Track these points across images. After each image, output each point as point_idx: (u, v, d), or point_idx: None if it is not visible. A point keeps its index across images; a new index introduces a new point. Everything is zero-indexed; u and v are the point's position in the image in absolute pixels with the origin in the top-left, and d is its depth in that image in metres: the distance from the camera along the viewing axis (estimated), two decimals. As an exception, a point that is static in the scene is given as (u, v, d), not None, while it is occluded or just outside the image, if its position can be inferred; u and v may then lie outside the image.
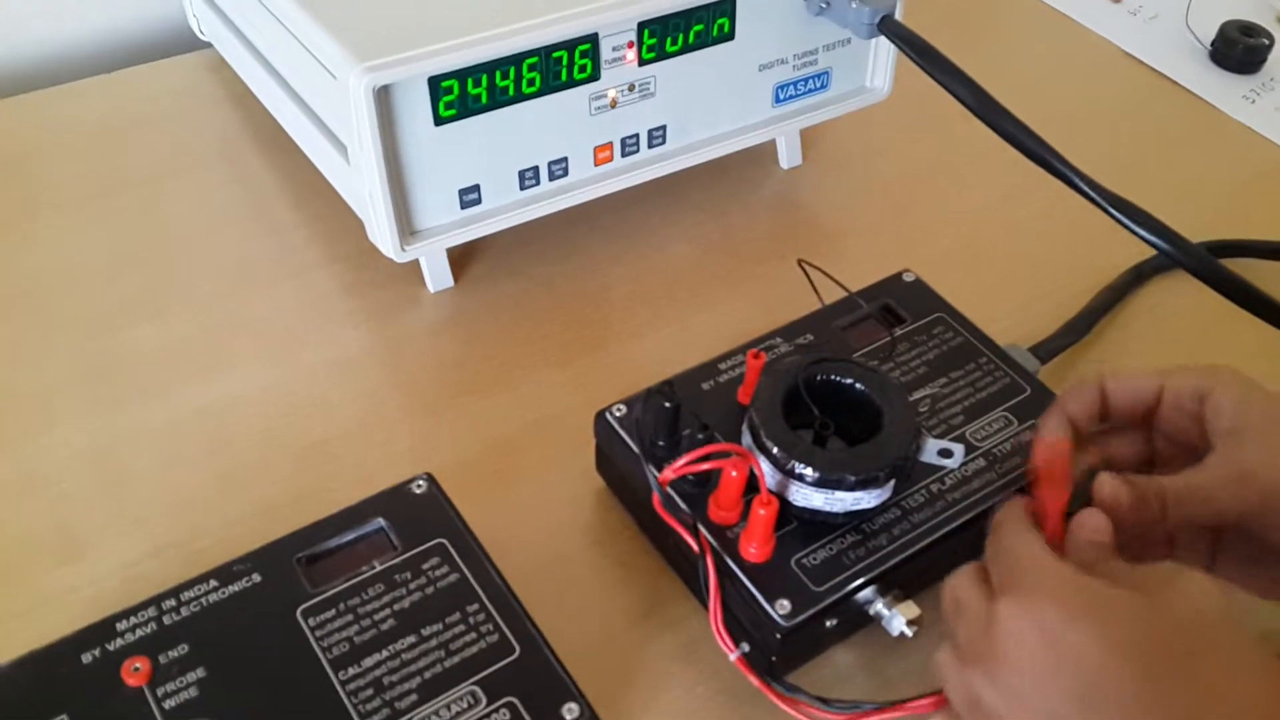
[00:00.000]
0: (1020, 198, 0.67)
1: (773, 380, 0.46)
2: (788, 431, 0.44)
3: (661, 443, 0.46)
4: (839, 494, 0.43)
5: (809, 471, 0.43)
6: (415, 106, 0.51)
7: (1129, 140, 0.76)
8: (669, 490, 0.45)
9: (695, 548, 0.43)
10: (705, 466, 0.44)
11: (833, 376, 0.46)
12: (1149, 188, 0.69)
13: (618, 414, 0.48)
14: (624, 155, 0.59)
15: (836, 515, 0.44)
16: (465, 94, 0.51)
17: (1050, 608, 0.35)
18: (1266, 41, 0.81)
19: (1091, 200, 0.52)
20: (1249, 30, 0.82)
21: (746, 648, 0.43)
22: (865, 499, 0.44)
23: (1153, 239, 0.51)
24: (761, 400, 0.45)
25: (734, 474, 0.43)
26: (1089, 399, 0.45)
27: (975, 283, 0.62)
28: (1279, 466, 0.41)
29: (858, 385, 0.46)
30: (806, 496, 0.44)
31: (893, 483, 0.44)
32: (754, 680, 0.43)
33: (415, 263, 0.59)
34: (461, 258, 0.62)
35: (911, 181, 0.71)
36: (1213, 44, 0.82)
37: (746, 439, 0.45)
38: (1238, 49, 0.81)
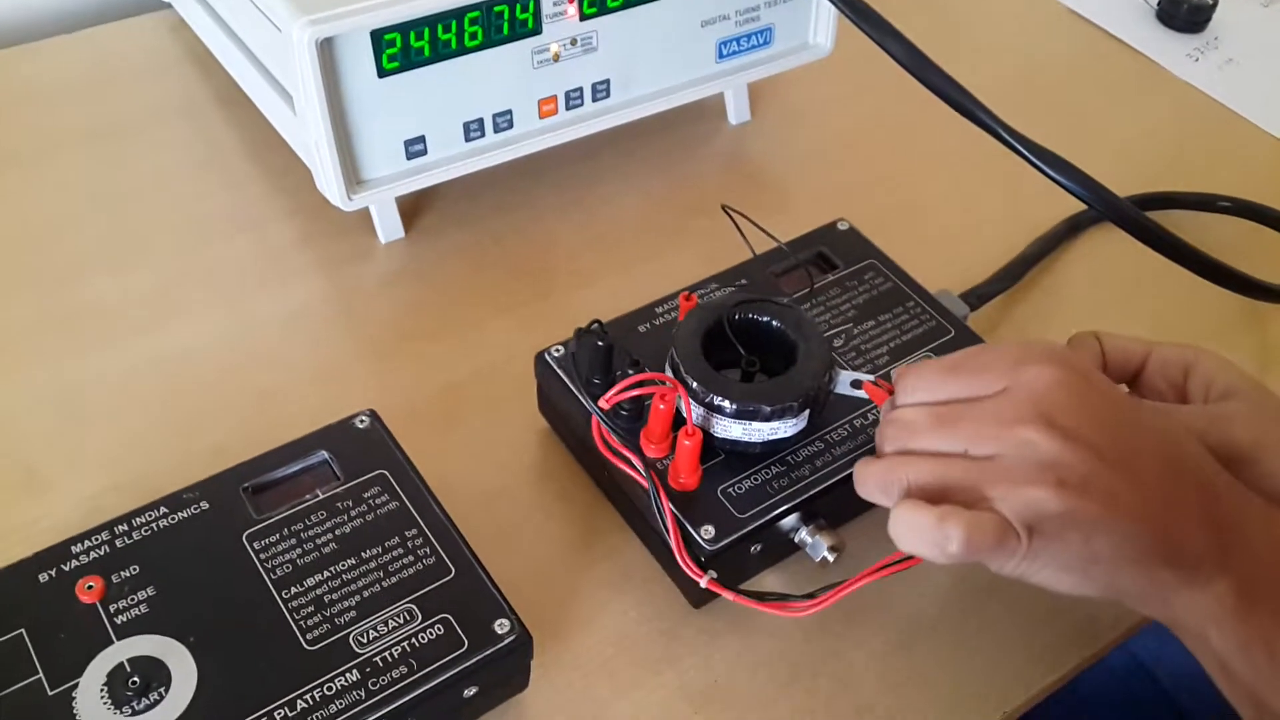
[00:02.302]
0: (962, 153, 0.69)
1: (693, 318, 0.48)
2: (706, 366, 0.46)
3: (597, 380, 0.48)
4: (755, 424, 0.46)
5: (726, 403, 0.45)
6: (358, 59, 0.52)
7: (1075, 97, 0.78)
8: (606, 423, 0.46)
9: (636, 473, 0.45)
10: (636, 393, 0.46)
11: (751, 315, 0.49)
12: (1093, 143, 0.72)
13: (556, 354, 0.51)
14: (568, 108, 0.60)
15: (755, 445, 0.46)
16: (408, 47, 0.53)
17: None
18: (1210, 1, 0.83)
19: (1018, 153, 0.54)
20: (1194, -10, 0.84)
21: (714, 573, 0.45)
22: (781, 429, 0.46)
23: (1076, 189, 0.53)
24: (682, 337, 0.47)
25: (661, 406, 0.45)
26: (1092, 347, 0.48)
27: (915, 234, 0.64)
28: (1257, 426, 0.44)
29: (774, 323, 0.48)
30: (727, 428, 0.46)
31: (808, 413, 0.47)
32: (729, 596, 0.44)
33: (367, 215, 0.61)
34: (412, 209, 0.64)
35: (858, 137, 0.73)
36: (1159, 4, 0.84)
37: (669, 374, 0.48)
38: (1183, 9, 0.83)
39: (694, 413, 0.46)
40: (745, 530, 0.45)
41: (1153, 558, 0.39)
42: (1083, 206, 0.57)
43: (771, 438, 0.46)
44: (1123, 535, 0.38)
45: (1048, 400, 0.40)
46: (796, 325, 0.48)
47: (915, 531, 0.40)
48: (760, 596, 0.45)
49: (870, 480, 0.42)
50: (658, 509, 0.45)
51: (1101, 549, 0.38)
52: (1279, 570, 0.40)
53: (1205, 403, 0.46)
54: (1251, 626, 0.39)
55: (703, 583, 0.44)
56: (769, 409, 0.45)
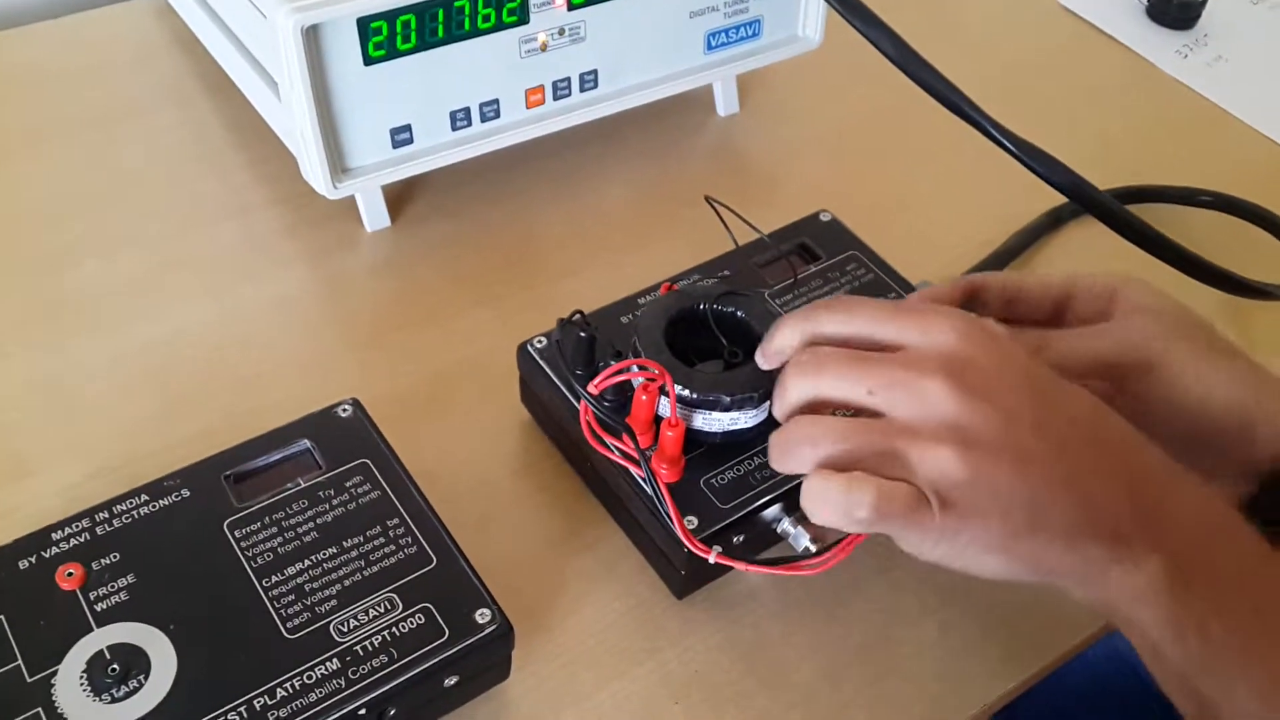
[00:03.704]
0: (948, 146, 0.69)
1: (658, 307, 0.48)
2: (667, 354, 0.46)
3: (580, 371, 0.48)
4: (715, 415, 0.46)
5: (686, 392, 0.45)
6: (344, 46, 0.52)
7: (1065, 92, 0.78)
8: (596, 407, 0.46)
9: (624, 460, 0.45)
10: (623, 378, 0.46)
11: (718, 306, 0.48)
12: (1080, 137, 0.72)
13: (539, 345, 0.51)
14: (556, 98, 0.60)
15: (715, 435, 0.46)
16: (394, 35, 0.53)
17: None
18: (1199, -1, 0.83)
19: (1003, 147, 0.54)
20: (1183, -14, 0.84)
21: (720, 548, 0.45)
22: (741, 419, 0.46)
23: (1056, 182, 0.53)
24: (644, 325, 0.47)
25: (644, 398, 0.45)
26: (1002, 283, 0.48)
27: (899, 225, 0.64)
28: (1172, 349, 0.43)
29: (739, 313, 0.48)
30: (706, 419, 0.46)
31: (768, 404, 0.46)
32: (741, 566, 0.44)
33: (353, 203, 0.61)
34: (399, 199, 0.63)
35: (845, 129, 0.73)
36: (1149, 0, 0.84)
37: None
38: (1172, 5, 0.83)
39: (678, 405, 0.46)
40: (728, 521, 0.45)
41: (1078, 531, 0.37)
42: (1064, 200, 0.57)
43: (731, 428, 0.46)
44: (1042, 505, 0.37)
45: (957, 358, 0.38)
46: (764, 317, 0.48)
47: (824, 500, 0.38)
48: (772, 562, 0.45)
49: (779, 449, 0.41)
50: (654, 490, 0.45)
51: (1020, 522, 0.37)
52: (1211, 550, 0.38)
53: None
54: (1185, 607, 0.37)
55: (711, 558, 0.44)
56: (728, 399, 0.45)
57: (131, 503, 0.43)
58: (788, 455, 0.40)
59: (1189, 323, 0.45)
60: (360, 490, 0.45)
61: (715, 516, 0.45)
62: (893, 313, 0.40)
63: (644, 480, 0.45)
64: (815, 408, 0.41)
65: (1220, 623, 0.37)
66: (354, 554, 0.43)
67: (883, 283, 0.55)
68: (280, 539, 0.43)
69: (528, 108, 0.60)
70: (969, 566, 0.38)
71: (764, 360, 0.44)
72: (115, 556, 0.42)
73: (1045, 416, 0.38)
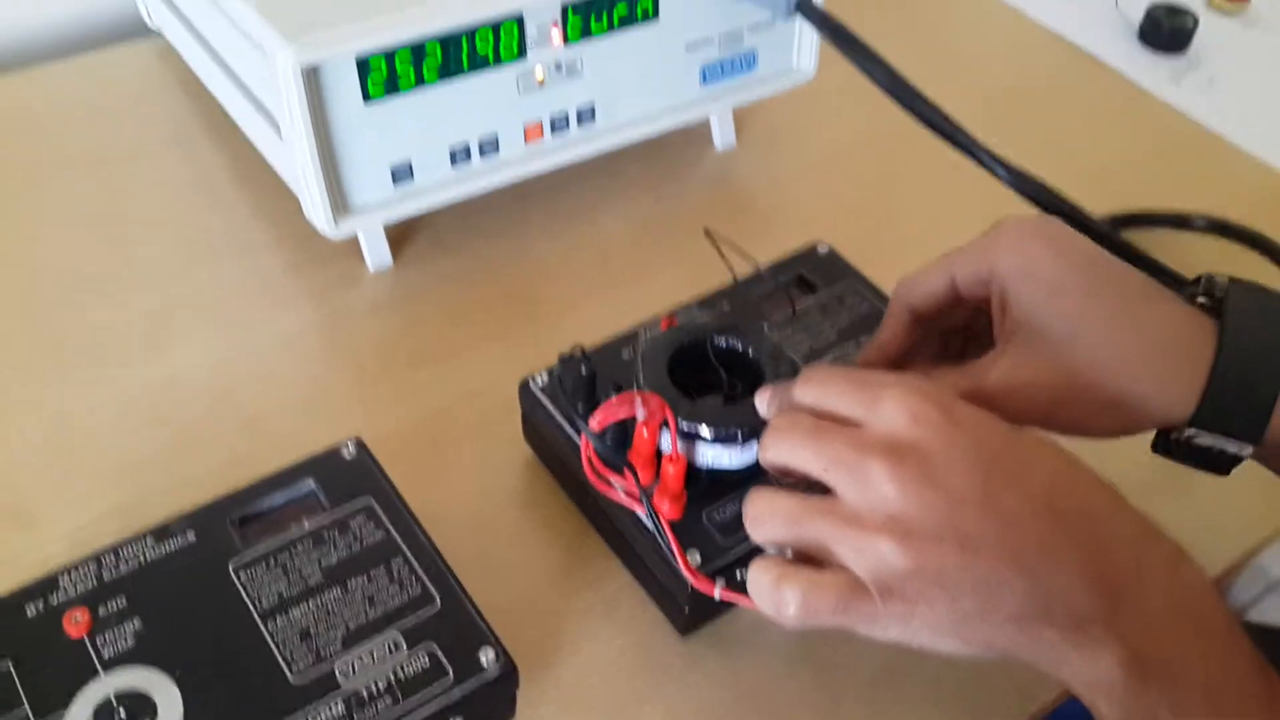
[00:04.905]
0: (943, 175, 0.69)
1: (658, 342, 0.49)
2: (668, 388, 0.47)
3: (581, 407, 0.48)
4: (717, 449, 0.46)
5: (688, 427, 0.46)
6: (344, 85, 0.53)
7: (1058, 118, 0.78)
8: (597, 443, 0.46)
9: (624, 497, 0.46)
10: (624, 414, 0.45)
11: (716, 340, 0.49)
12: (1074, 163, 0.72)
13: (540, 382, 0.51)
14: (554, 133, 0.61)
15: (717, 470, 0.47)
16: (393, 73, 0.54)
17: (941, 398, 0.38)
18: (1191, 23, 0.84)
19: (996, 174, 0.54)
20: (1175, 12, 0.85)
21: (724, 581, 0.44)
22: (742, 454, 0.46)
23: (1050, 208, 0.53)
24: (645, 360, 0.48)
25: (645, 433, 0.46)
26: (925, 307, 0.46)
27: (896, 255, 0.64)
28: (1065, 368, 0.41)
29: (738, 346, 0.49)
30: (703, 454, 0.46)
31: (753, 443, 0.46)
32: (745, 601, 0.42)
33: (356, 242, 0.61)
34: (400, 236, 0.64)
35: (841, 160, 0.73)
36: (1140, 25, 0.85)
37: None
38: (1164, 30, 0.84)
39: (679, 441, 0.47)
40: (731, 556, 0.45)
41: (1030, 614, 0.36)
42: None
43: (732, 464, 0.46)
44: (990, 588, 0.36)
45: (903, 442, 0.37)
46: (764, 350, 0.48)
47: (756, 593, 0.38)
48: None
49: (744, 517, 0.40)
50: (655, 526, 0.45)
51: (970, 607, 0.36)
52: (1174, 642, 0.36)
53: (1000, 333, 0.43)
54: (1142, 702, 0.36)
55: (716, 593, 0.44)
56: (711, 434, 0.46)
57: (138, 547, 0.44)
58: (747, 525, 0.41)
59: (1079, 288, 0.42)
60: (364, 530, 0.45)
61: (718, 551, 0.46)
62: (855, 387, 0.40)
63: (645, 516, 0.45)
64: (786, 471, 0.41)
65: None
66: (358, 595, 0.43)
67: (880, 313, 0.55)
68: (285, 581, 0.43)
69: (526, 143, 0.60)
70: (926, 647, 0.37)
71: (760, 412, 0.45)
72: (122, 601, 0.42)
73: (995, 495, 0.36)
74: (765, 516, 0.39)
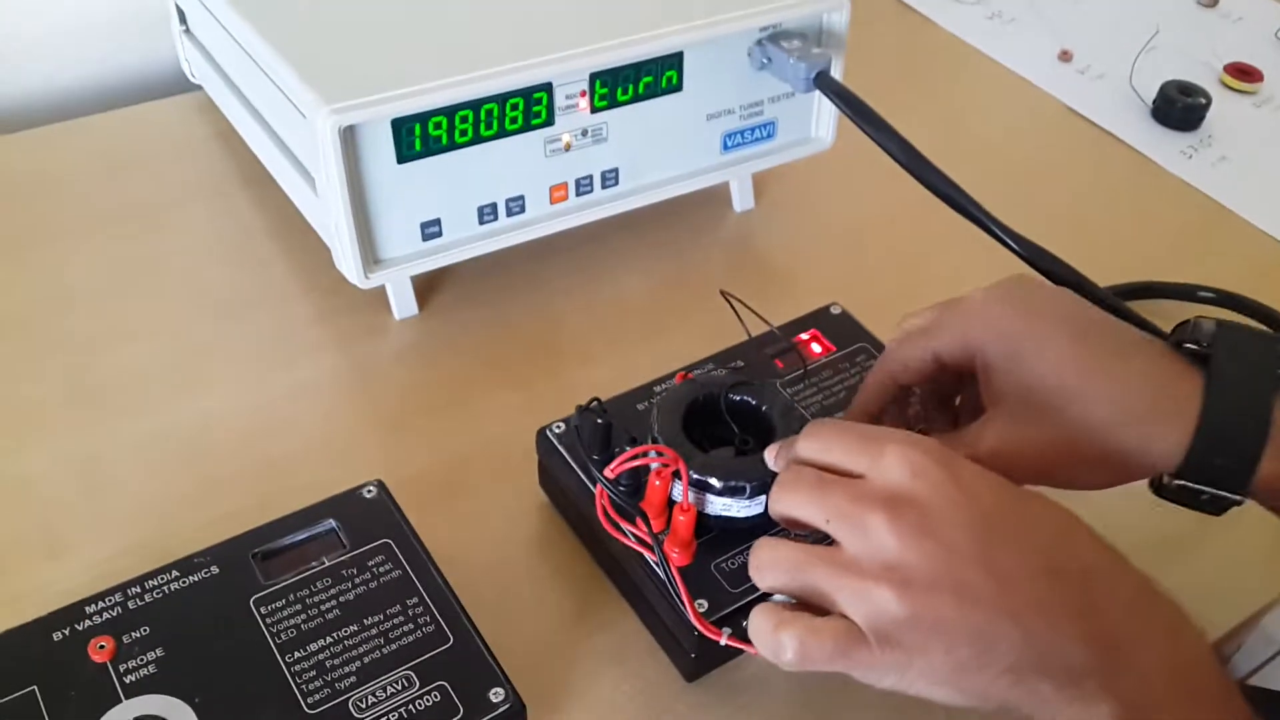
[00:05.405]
0: (957, 242, 0.71)
1: (674, 396, 0.50)
2: (681, 440, 0.48)
3: (596, 456, 0.50)
4: (726, 500, 0.47)
5: (699, 478, 0.47)
6: (379, 145, 0.55)
7: (1072, 192, 0.80)
8: (611, 491, 0.48)
9: (636, 544, 0.47)
10: (638, 464, 0.47)
11: (729, 395, 0.50)
12: (1088, 236, 0.74)
13: (557, 431, 0.52)
14: (578, 195, 0.63)
15: (726, 520, 0.48)
16: (426, 135, 0.56)
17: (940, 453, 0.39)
18: (1204, 101, 0.86)
19: (1006, 244, 0.56)
20: (1187, 90, 0.87)
21: (730, 629, 0.45)
22: (751, 506, 0.48)
23: (1060, 279, 0.55)
24: (661, 412, 0.49)
25: (658, 483, 0.47)
26: (883, 395, 0.48)
27: (908, 319, 0.66)
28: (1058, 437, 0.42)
29: (751, 402, 0.50)
30: (711, 503, 0.48)
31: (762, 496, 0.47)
32: (751, 649, 0.43)
33: (383, 292, 0.64)
34: (426, 288, 0.66)
35: (857, 226, 0.75)
36: (1154, 102, 0.87)
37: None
38: (1177, 108, 0.86)
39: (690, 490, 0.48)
40: (739, 604, 0.47)
41: (1027, 667, 0.36)
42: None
43: (723, 513, 0.48)
44: (986, 640, 0.36)
45: (903, 494, 0.38)
46: (775, 406, 0.50)
47: (756, 638, 0.40)
48: None
49: (749, 564, 0.42)
50: (666, 573, 0.46)
51: (965, 657, 0.36)
52: (1171, 698, 0.37)
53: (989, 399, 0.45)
54: None
55: (723, 640, 0.45)
56: (719, 484, 0.47)
57: (163, 578, 0.45)
58: (751, 571, 0.42)
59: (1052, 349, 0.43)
60: (382, 569, 0.46)
61: (726, 600, 0.47)
62: (859, 441, 0.41)
63: (656, 563, 0.47)
64: (793, 523, 0.42)
65: None
66: (374, 632, 0.44)
67: (891, 375, 0.56)
68: (304, 616, 0.44)
69: (552, 203, 0.63)
70: (922, 695, 0.38)
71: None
72: (145, 630, 0.43)
73: (994, 550, 0.37)
74: (769, 564, 0.41)
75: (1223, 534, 0.57)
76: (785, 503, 0.42)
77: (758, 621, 0.40)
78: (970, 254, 0.71)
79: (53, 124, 0.76)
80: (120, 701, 0.41)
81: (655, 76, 0.62)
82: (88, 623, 0.44)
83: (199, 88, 0.77)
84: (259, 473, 0.56)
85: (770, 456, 0.46)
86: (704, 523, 0.48)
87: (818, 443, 0.42)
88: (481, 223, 0.61)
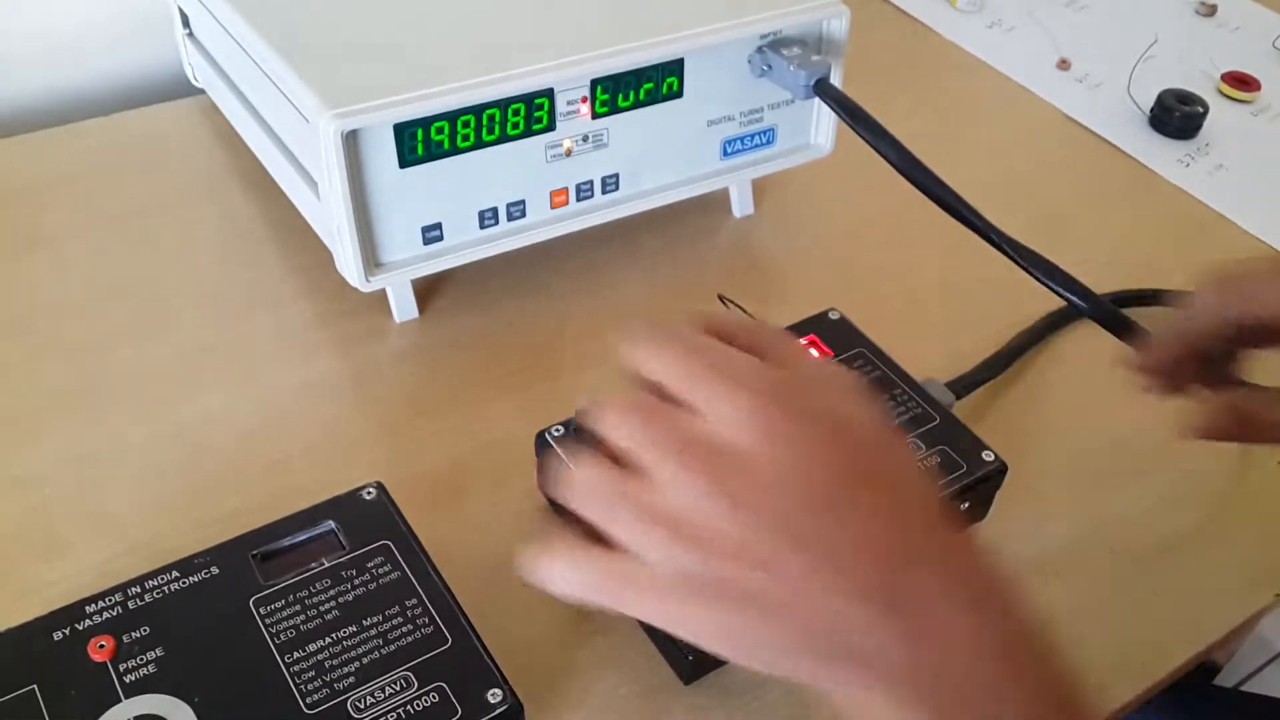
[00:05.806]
0: (955, 249, 0.71)
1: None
2: None
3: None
4: None
5: None
6: (381, 150, 0.56)
7: (1069, 200, 0.81)
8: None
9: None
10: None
11: None
12: (1085, 243, 0.75)
13: (556, 434, 0.53)
14: (579, 200, 0.64)
15: None
16: (428, 140, 0.56)
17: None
18: (1201, 109, 0.86)
19: (1004, 253, 0.56)
20: (1185, 99, 0.87)
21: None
22: None
23: (1057, 288, 0.55)
24: None
25: (655, 487, 0.47)
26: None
27: (906, 324, 0.66)
28: None
29: None
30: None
31: None
32: None
33: (383, 295, 0.64)
34: (427, 291, 0.66)
35: (856, 232, 0.75)
36: (1152, 111, 0.88)
37: None
38: (1175, 116, 0.86)
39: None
40: (734, 609, 0.47)
41: (817, 646, 0.35)
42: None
43: None
44: (768, 617, 0.34)
45: (731, 442, 0.36)
46: None
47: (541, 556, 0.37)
48: None
49: (566, 491, 0.38)
50: None
51: (737, 626, 0.35)
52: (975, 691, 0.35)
53: None
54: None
55: None
56: None
57: (163, 578, 0.45)
58: (565, 491, 0.38)
59: None
60: (381, 571, 0.47)
61: (722, 604, 0.47)
62: (691, 372, 0.38)
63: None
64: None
65: None
66: (373, 633, 0.45)
67: (889, 379, 0.57)
68: (303, 616, 0.45)
69: (552, 208, 0.63)
70: (722, 656, 0.37)
71: None
72: (145, 630, 0.44)
73: (799, 525, 0.35)
74: (585, 491, 0.37)
75: (1219, 538, 0.58)
76: (607, 424, 0.38)
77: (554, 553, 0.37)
78: (968, 261, 0.71)
79: (55, 128, 0.77)
80: (120, 701, 0.42)
81: (656, 83, 0.62)
82: (88, 622, 0.44)
83: (202, 91, 0.77)
84: (259, 474, 0.56)
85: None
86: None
87: (661, 365, 0.39)
88: (482, 227, 0.61)
